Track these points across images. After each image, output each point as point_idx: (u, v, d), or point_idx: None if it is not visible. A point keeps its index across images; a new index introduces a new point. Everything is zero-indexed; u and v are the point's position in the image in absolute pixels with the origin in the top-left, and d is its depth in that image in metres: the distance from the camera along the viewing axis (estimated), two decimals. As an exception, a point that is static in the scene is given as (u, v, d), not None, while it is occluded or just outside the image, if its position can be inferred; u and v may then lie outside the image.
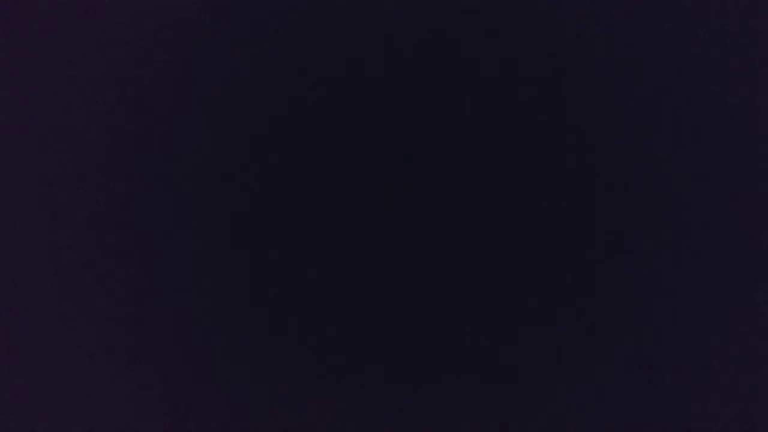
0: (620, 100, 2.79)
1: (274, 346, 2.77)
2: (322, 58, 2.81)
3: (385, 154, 2.79)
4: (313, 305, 2.78)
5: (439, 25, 2.81)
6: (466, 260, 2.78)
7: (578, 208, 2.78)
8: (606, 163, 2.78)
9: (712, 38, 2.80)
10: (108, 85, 2.82)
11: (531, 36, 2.80)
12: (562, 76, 2.80)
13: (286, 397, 2.77)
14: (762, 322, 2.75)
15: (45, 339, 2.77)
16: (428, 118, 2.80)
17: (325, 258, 2.78)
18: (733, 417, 2.75)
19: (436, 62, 2.81)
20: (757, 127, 2.78)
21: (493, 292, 2.77)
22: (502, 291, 2.77)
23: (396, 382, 2.76)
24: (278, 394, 2.77)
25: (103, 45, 2.82)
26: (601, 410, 2.75)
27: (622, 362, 2.75)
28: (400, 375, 2.76)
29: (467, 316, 2.77)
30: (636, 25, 2.81)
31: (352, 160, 2.79)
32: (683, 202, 2.78)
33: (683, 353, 2.76)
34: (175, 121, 2.81)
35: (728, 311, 2.76)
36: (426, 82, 2.80)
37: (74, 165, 2.81)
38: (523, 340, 2.76)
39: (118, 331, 2.77)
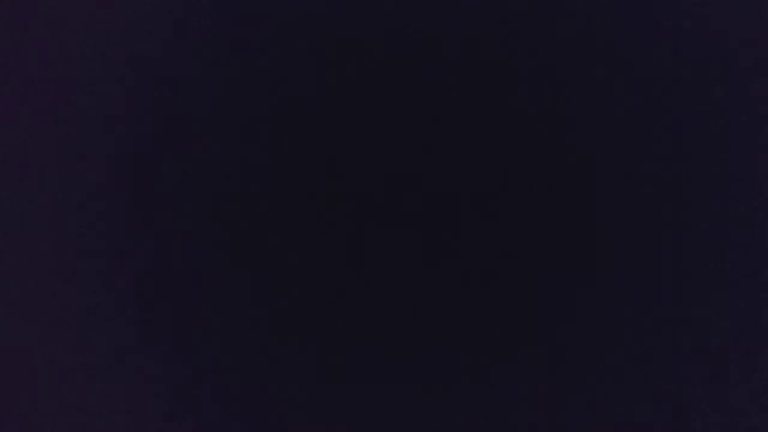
0: (619, 102, 2.80)
1: (274, 348, 2.77)
2: (322, 59, 2.81)
3: (383, 156, 2.79)
4: (313, 307, 2.78)
5: (438, 26, 2.81)
6: (466, 260, 2.78)
7: (578, 210, 2.78)
8: (606, 165, 2.79)
9: (712, 38, 2.80)
10: (109, 85, 2.82)
11: (531, 36, 2.80)
12: (561, 77, 2.80)
13: (285, 398, 2.77)
14: (762, 322, 2.76)
15: (45, 339, 2.78)
16: (427, 119, 2.80)
17: (325, 261, 2.78)
18: (733, 417, 2.75)
19: (436, 63, 2.81)
20: (757, 127, 2.79)
21: (492, 294, 2.77)
22: (502, 292, 2.77)
23: (396, 385, 2.76)
24: (278, 395, 2.77)
25: (103, 45, 2.83)
26: (601, 413, 2.75)
27: (622, 364, 2.76)
28: (401, 377, 2.77)
29: (467, 319, 2.77)
30: (635, 26, 2.81)
31: (350, 161, 2.79)
32: (683, 202, 2.78)
33: (683, 355, 2.76)
34: (176, 122, 2.81)
35: (728, 312, 2.76)
36: (425, 83, 2.81)
37: (74, 165, 2.81)
38: (523, 342, 2.76)
39: (118, 331, 2.77)
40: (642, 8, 2.80)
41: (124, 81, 2.82)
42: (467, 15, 2.81)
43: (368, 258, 2.78)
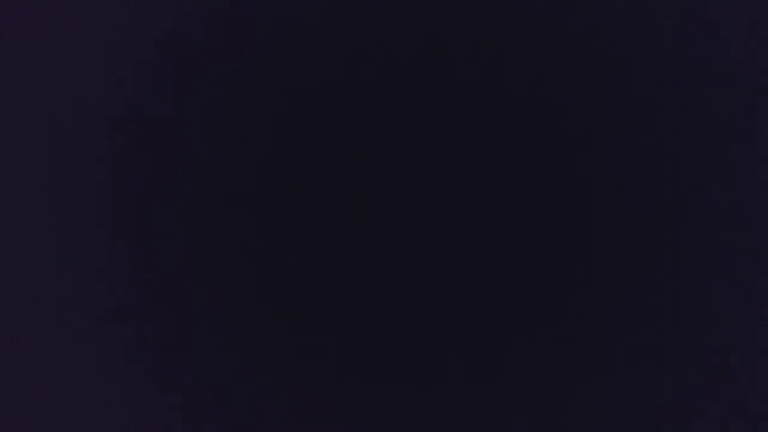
0: (619, 102, 2.80)
1: (274, 350, 2.77)
2: (322, 59, 2.81)
3: (383, 156, 2.79)
4: (313, 308, 2.78)
5: (437, 26, 2.81)
6: (466, 261, 2.78)
7: (578, 211, 2.78)
8: (606, 165, 2.79)
9: (712, 38, 2.80)
10: (109, 85, 2.82)
11: (530, 36, 2.80)
12: (561, 76, 2.80)
13: (285, 398, 2.77)
14: (762, 323, 2.76)
15: (45, 339, 2.78)
16: (426, 120, 2.81)
17: (325, 262, 2.78)
18: (732, 417, 2.75)
19: (435, 63, 2.81)
20: (757, 127, 2.79)
21: (493, 295, 2.77)
22: (503, 294, 2.77)
23: (396, 386, 2.77)
24: (277, 395, 2.77)
25: (103, 45, 2.83)
26: (602, 413, 2.75)
27: (623, 365, 2.76)
28: (401, 379, 2.77)
29: (468, 320, 2.77)
30: (636, 25, 2.81)
31: (350, 161, 2.79)
32: (683, 202, 2.78)
33: (683, 355, 2.76)
34: (175, 122, 2.81)
35: (729, 312, 2.76)
36: (424, 83, 2.81)
37: (74, 165, 2.81)
38: (523, 344, 2.76)
39: (118, 330, 2.78)
40: (642, 8, 2.81)
41: (125, 81, 2.82)
42: (467, 15, 2.81)
43: (368, 258, 2.78)
